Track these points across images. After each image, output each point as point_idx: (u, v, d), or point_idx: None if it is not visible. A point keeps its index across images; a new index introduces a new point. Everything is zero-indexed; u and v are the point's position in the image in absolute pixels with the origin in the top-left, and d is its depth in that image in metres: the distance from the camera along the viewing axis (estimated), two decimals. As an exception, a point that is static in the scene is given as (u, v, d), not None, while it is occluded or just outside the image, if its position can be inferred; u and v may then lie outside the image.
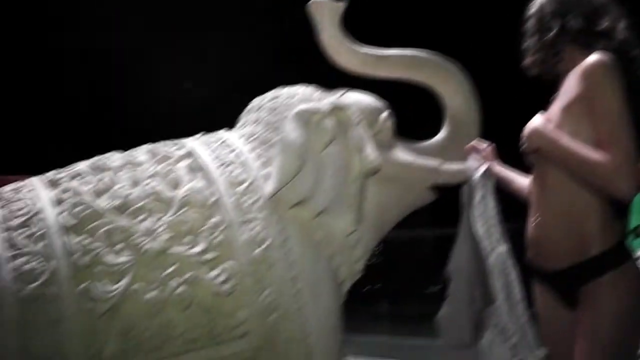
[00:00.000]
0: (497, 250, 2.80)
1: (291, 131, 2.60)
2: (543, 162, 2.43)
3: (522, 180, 2.77)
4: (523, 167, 2.78)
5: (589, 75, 2.28)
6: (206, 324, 2.32)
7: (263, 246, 2.46)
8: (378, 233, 3.03)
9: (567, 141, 2.27)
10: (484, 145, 2.97)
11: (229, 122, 3.04)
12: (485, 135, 3.17)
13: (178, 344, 2.28)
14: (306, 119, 2.65)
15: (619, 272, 2.27)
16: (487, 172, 2.89)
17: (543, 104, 2.56)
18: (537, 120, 2.42)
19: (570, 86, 2.37)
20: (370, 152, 2.76)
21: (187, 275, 2.30)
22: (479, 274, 2.87)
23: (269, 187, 2.55)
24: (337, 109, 2.74)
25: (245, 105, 3.09)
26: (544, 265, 2.47)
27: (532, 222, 2.51)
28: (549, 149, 2.34)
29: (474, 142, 2.99)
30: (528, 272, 2.62)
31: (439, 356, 5.89)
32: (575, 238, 2.34)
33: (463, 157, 3.01)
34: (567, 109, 2.35)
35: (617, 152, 2.17)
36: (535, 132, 2.38)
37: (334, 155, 2.71)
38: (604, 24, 2.41)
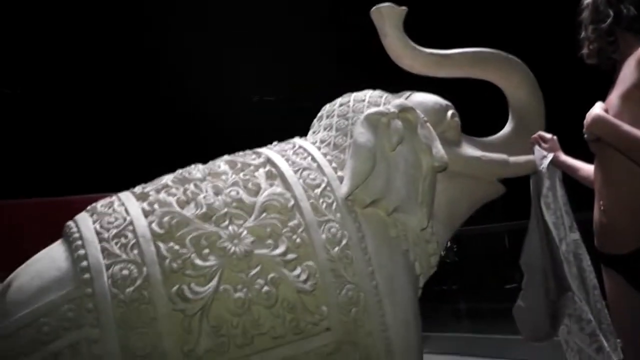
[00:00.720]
0: (569, 239, 2.85)
1: (361, 134, 2.71)
2: (605, 150, 2.48)
3: (587, 168, 2.82)
4: (586, 156, 2.83)
5: None
6: (291, 320, 2.43)
7: (341, 245, 2.57)
8: (450, 228, 3.12)
9: (628, 128, 2.31)
10: (548, 136, 3.02)
11: (302, 130, 3.16)
12: (548, 127, 3.23)
13: (266, 339, 2.39)
14: (375, 122, 2.76)
15: None
16: (553, 162, 2.95)
17: (602, 93, 2.61)
18: (596, 109, 2.47)
19: (627, 74, 2.42)
20: (438, 150, 2.85)
21: (270, 275, 2.42)
22: (552, 264, 2.91)
23: (343, 189, 2.67)
24: (404, 111, 2.83)
25: (316, 112, 3.21)
26: (611, 250, 2.51)
27: (597, 209, 2.56)
28: (610, 137, 2.39)
29: (538, 134, 3.06)
30: (597, 259, 2.66)
31: (518, 350, 5.88)
32: (639, 222, 2.38)
33: (529, 150, 3.08)
34: (626, 96, 2.40)
35: None
36: (596, 121, 2.43)
37: (404, 155, 2.80)
38: None
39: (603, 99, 2.59)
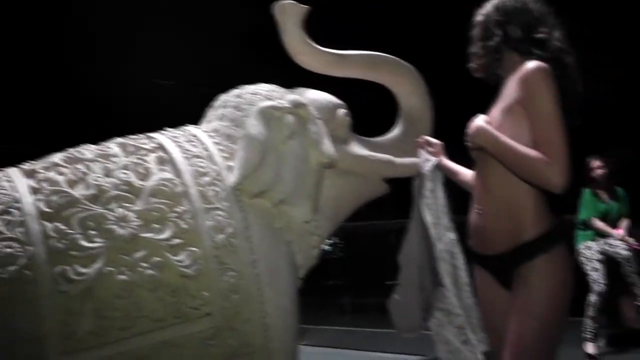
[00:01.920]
0: (446, 238, 3.00)
1: (254, 126, 2.78)
2: (485, 158, 2.62)
3: (467, 173, 2.97)
4: (467, 162, 2.95)
5: (527, 80, 2.48)
6: (173, 304, 2.46)
7: (226, 233, 2.63)
8: (334, 222, 3.23)
9: (508, 140, 2.47)
10: (434, 141, 3.16)
11: (195, 118, 3.20)
12: (434, 133, 3.38)
13: (147, 322, 2.42)
14: (268, 115, 2.83)
15: (549, 255, 2.48)
16: (437, 166, 3.09)
17: (485, 106, 2.75)
18: (480, 120, 2.62)
19: (510, 90, 2.58)
20: (327, 146, 2.95)
21: (155, 259, 2.45)
22: (428, 261, 3.04)
23: (232, 178, 2.72)
24: (297, 106, 2.92)
25: (211, 100, 3.24)
26: (484, 250, 2.67)
27: (474, 212, 2.70)
28: (491, 147, 2.53)
29: (424, 138, 3.18)
30: (470, 258, 2.83)
31: (395, 342, 6.08)
32: (512, 226, 2.54)
33: (414, 152, 3.20)
34: (507, 111, 2.55)
35: (552, 150, 2.38)
36: (479, 131, 2.57)
37: (294, 149, 2.88)
38: (541, 33, 2.62)
39: (486, 111, 2.74)
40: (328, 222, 3.14)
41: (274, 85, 3.14)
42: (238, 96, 3.06)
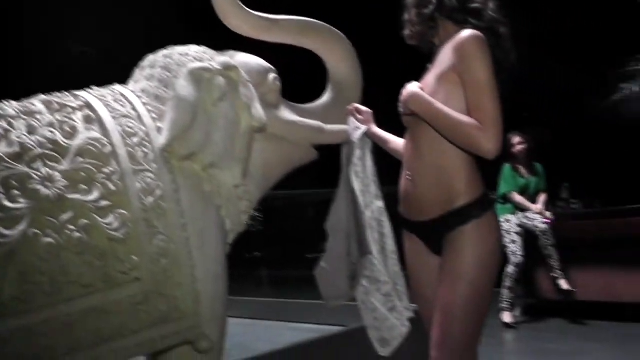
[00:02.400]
0: (374, 206, 3.00)
1: (184, 88, 2.71)
2: (417, 125, 2.65)
3: (396, 141, 3.00)
4: (396, 130, 2.99)
5: (463, 48, 2.50)
6: (101, 268, 2.39)
7: (155, 195, 2.56)
8: (263, 188, 3.20)
9: (441, 106, 2.50)
10: (363, 109, 3.17)
11: (120, 80, 3.09)
12: (365, 101, 3.37)
13: (75, 287, 2.34)
14: (198, 76, 2.77)
15: (480, 220, 2.53)
16: (366, 134, 3.08)
17: (417, 74, 2.78)
18: (413, 86, 2.64)
19: (444, 58, 2.60)
20: (258, 110, 2.93)
21: (83, 222, 2.37)
22: (355, 228, 3.05)
23: (161, 140, 2.66)
24: (227, 69, 2.87)
25: (135, 62, 3.16)
26: (414, 217, 2.70)
27: (405, 178, 2.72)
28: (424, 112, 2.56)
29: (354, 106, 3.19)
30: (399, 225, 2.84)
31: (315, 314, 6.15)
32: (444, 192, 2.58)
33: (344, 120, 3.20)
34: (441, 78, 2.58)
35: (485, 117, 2.42)
36: (413, 97, 2.60)
37: (224, 112, 2.84)
38: (477, 3, 2.66)
39: (419, 79, 2.77)
40: (257, 188, 3.12)
41: (204, 47, 3.08)
42: (167, 57, 2.98)
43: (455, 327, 2.47)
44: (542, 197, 7.53)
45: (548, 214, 7.40)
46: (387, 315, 2.95)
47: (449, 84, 2.55)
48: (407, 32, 2.83)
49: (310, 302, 7.01)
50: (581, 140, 15.20)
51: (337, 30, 3.37)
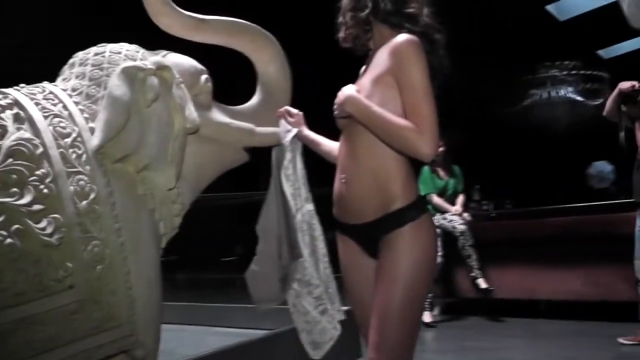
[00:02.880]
0: (304, 209, 3.02)
1: (117, 87, 2.63)
2: (353, 127, 2.67)
3: (328, 144, 3.04)
4: (328, 133, 3.02)
5: (399, 51, 2.55)
6: (35, 276, 2.29)
7: (89, 199, 2.47)
8: (195, 191, 3.16)
9: (377, 109, 2.53)
10: (294, 111, 3.20)
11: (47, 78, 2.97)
12: (295, 103, 3.40)
13: (8, 296, 2.23)
14: (132, 76, 2.70)
15: (417, 222, 2.57)
16: (297, 137, 3.11)
17: (349, 77, 2.82)
18: (350, 89, 2.67)
19: (380, 61, 2.64)
20: (191, 111, 2.89)
21: (15, 227, 2.25)
22: (286, 232, 3.06)
23: (94, 141, 2.56)
24: (161, 68, 2.82)
25: (59, 59, 3.05)
26: (349, 220, 2.72)
27: (339, 181, 2.74)
28: (361, 115, 2.58)
29: (285, 109, 3.23)
30: (333, 228, 2.86)
31: (237, 318, 6.11)
32: (380, 195, 2.60)
33: (274, 122, 3.23)
34: (377, 81, 2.61)
35: (421, 120, 2.46)
36: (349, 99, 2.62)
37: (158, 113, 2.79)
38: (412, 8, 2.70)
39: (351, 81, 2.80)
40: (190, 190, 3.08)
41: (136, 46, 3.02)
42: (98, 54, 2.89)
43: (393, 328, 2.49)
44: (460, 199, 7.71)
45: (466, 214, 7.58)
46: (319, 318, 2.97)
47: (385, 86, 2.58)
48: (341, 34, 2.85)
49: (229, 305, 6.99)
50: (491, 144, 15.66)
51: (266, 32, 3.36)
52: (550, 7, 14.49)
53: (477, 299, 7.67)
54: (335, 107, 2.72)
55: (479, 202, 10.56)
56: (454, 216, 7.45)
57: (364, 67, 2.91)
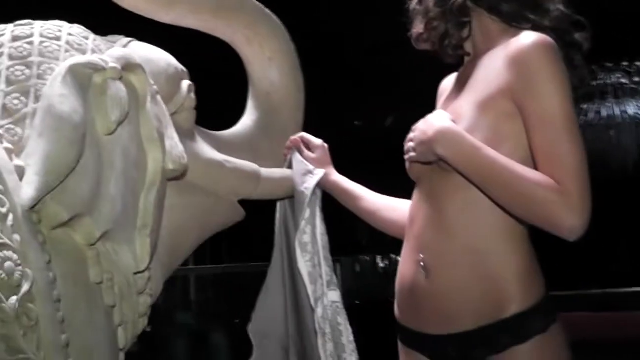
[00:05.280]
0: (327, 299, 2.21)
1: (62, 99, 1.66)
2: (441, 180, 1.90)
3: (379, 200, 2.27)
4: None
5: (524, 60, 1.80)
6: None
7: (20, 293, 1.59)
8: (169, 269, 2.19)
9: (493, 153, 1.76)
10: (316, 142, 2.37)
11: None
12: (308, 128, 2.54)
13: None
14: (84, 80, 1.72)
15: (545, 337, 1.81)
16: (322, 183, 2.28)
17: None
18: (444, 118, 1.87)
19: (488, 73, 1.89)
20: (175, 143, 1.94)
21: None
22: (298, 335, 2.32)
23: (27, 192, 1.61)
24: (129, 69, 1.85)
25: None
26: (427, 327, 1.94)
27: (410, 263, 1.95)
28: (463, 162, 1.81)
29: (300, 136, 2.38)
30: (402, 337, 2.07)
31: None
32: (485, 290, 1.85)
33: (279, 158, 2.38)
34: (485, 106, 1.84)
35: (564, 173, 1.70)
36: (446, 135, 1.82)
37: (124, 145, 1.82)
38: None
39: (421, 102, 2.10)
40: (162, 271, 2.09)
41: (81, 27, 2.01)
42: (20, 39, 1.88)
43: None
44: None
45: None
46: None
47: (499, 115, 1.84)
48: (417, 30, 2.06)
49: None
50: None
51: (270, 13, 2.41)
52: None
53: None
54: (410, 145, 1.93)
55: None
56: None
57: (452, 82, 2.11)
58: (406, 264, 1.98)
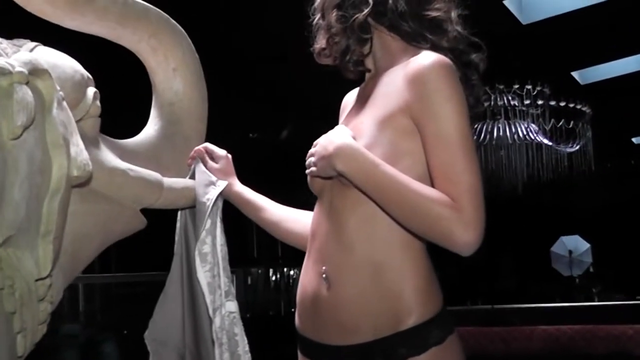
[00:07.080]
0: (224, 309, 2.21)
1: None
2: (340, 195, 1.92)
3: (281, 212, 2.27)
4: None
5: (422, 79, 1.81)
6: None
7: None
8: (69, 277, 2.14)
9: (391, 170, 1.78)
10: (220, 152, 2.36)
11: None
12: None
13: None
14: None
15: (442, 348, 1.83)
16: (225, 193, 2.28)
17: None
18: (344, 134, 1.88)
19: (388, 91, 1.90)
20: (81, 150, 1.91)
21: None
22: (194, 345, 2.28)
23: None
24: (36, 73, 1.82)
25: None
26: (329, 338, 1.92)
27: (311, 274, 1.97)
28: (362, 178, 1.82)
29: (204, 147, 2.36)
30: (302, 348, 2.06)
31: None
32: (384, 302, 1.86)
33: (182, 168, 2.35)
34: (384, 123, 1.87)
35: (459, 189, 1.74)
36: (344, 151, 1.84)
37: (29, 150, 1.79)
38: (435, 10, 1.95)
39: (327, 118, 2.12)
40: (63, 277, 2.05)
41: None
42: None
43: None
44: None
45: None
46: None
47: (397, 133, 1.86)
48: (319, 45, 2.08)
49: None
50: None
51: (175, 24, 2.40)
52: (507, 2, 8.81)
53: None
54: (311, 160, 1.94)
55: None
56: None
57: (354, 97, 2.15)
58: (308, 275, 1.99)
